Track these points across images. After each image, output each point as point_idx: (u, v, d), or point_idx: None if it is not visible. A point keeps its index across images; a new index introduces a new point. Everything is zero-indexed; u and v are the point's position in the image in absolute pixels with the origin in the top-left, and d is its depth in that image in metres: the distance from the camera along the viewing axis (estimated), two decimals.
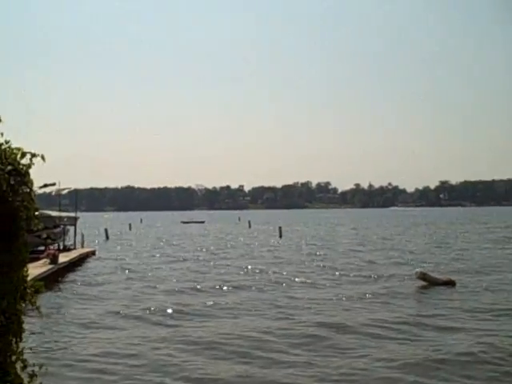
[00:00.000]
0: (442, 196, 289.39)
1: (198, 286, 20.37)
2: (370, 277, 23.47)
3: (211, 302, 16.83)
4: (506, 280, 22.17)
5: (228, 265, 27.93)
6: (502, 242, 41.94)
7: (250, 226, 74.29)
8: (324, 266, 26.95)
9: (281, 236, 51.52)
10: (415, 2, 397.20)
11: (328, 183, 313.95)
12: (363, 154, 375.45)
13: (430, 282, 21.66)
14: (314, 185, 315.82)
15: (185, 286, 20.68)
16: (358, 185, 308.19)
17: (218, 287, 20.24)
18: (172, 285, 21.07)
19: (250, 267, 26.25)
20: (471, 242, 42.79)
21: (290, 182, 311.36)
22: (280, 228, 53.94)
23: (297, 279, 22.40)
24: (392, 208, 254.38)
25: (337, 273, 24.53)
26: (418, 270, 22.73)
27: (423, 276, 21.86)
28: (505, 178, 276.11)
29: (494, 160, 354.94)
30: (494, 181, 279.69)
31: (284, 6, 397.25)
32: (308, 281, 22.13)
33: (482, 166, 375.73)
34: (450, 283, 21.66)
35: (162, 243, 46.11)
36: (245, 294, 18.98)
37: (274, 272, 24.61)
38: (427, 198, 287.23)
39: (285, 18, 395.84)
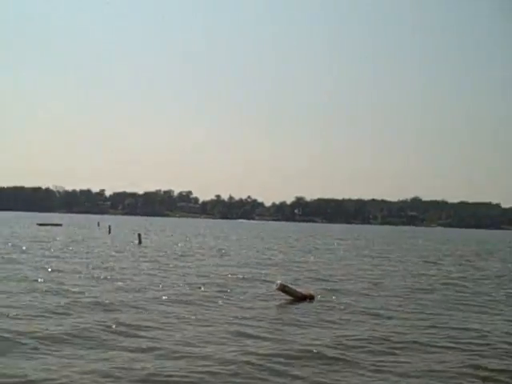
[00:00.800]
0: (296, 211, 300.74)
1: None
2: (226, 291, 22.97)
3: None
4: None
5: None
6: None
7: (109, 232, 71.61)
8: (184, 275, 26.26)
9: (140, 242, 50.60)
10: None
11: (190, 192, 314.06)
12: (225, 166, 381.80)
13: (289, 294, 21.56)
14: (175, 193, 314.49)
15: None
16: (218, 196, 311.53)
17: None
18: None
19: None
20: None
21: (153, 190, 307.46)
22: (139, 235, 52.94)
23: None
24: (240, 220, 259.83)
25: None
26: (278, 281, 22.56)
27: (283, 288, 21.71)
28: (354, 197, 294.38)
29: (344, 180, 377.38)
30: (343, 200, 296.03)
31: None
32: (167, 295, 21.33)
33: (335, 185, 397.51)
34: (310, 297, 21.77)
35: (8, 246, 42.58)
36: None
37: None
38: (283, 212, 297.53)
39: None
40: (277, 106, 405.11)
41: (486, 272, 35.51)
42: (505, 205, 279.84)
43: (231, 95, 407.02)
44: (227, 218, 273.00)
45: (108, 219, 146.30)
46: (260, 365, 11.17)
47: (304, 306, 20.06)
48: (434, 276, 31.30)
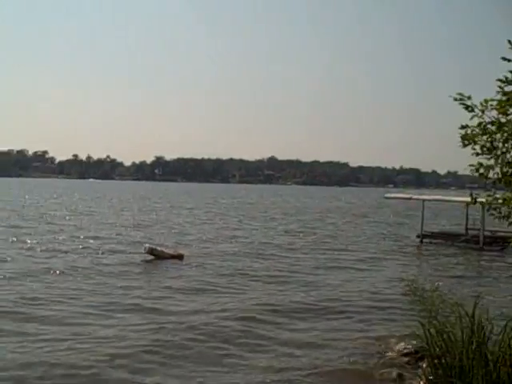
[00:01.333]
0: (156, 171, 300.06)
1: None
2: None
3: None
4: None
5: None
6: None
7: None
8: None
9: None
10: None
11: (46, 152, 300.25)
12: (81, 122, 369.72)
13: (158, 257, 24.36)
14: (30, 153, 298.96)
15: None
16: (76, 155, 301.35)
17: None
18: None
19: None
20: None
21: (5, 149, 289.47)
22: None
23: None
24: (90, 180, 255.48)
25: None
26: (146, 245, 25.34)
27: (151, 251, 24.52)
28: (213, 157, 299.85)
29: (203, 140, 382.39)
30: (203, 159, 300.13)
31: None
32: None
33: (194, 145, 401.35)
34: (178, 257, 24.84)
35: None
36: None
37: None
38: (143, 172, 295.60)
39: None
40: (139, 60, 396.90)
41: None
42: (352, 164, 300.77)
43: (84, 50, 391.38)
44: (84, 178, 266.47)
45: None
46: None
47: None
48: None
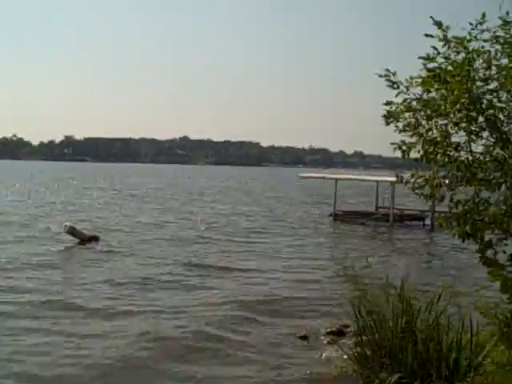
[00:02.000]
0: (66, 151, 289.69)
1: None
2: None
3: None
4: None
5: None
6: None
7: None
8: None
9: None
10: None
11: None
12: None
13: (77, 237, 23.70)
14: None
15: None
16: None
17: None
18: None
19: None
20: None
21: None
22: None
23: None
24: None
25: None
26: (67, 223, 24.38)
27: (72, 230, 23.73)
28: (124, 136, 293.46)
29: (114, 120, 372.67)
30: (113, 139, 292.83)
31: None
32: None
33: (105, 124, 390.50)
34: (95, 238, 24.22)
35: None
36: None
37: None
38: (52, 151, 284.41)
39: None
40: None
41: None
42: (264, 144, 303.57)
43: None
44: None
45: None
46: None
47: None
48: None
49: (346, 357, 8.34)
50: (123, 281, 16.25)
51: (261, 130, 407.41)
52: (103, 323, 11.96)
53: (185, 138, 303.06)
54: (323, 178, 38.89)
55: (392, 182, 32.60)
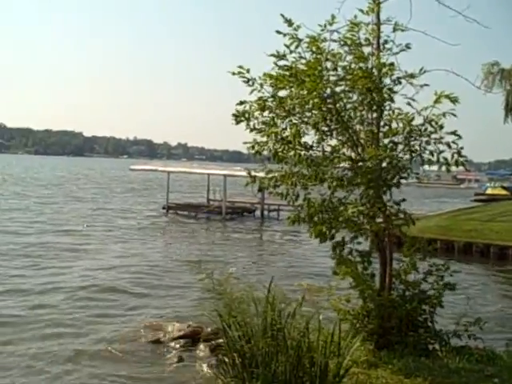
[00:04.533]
0: None
1: None
2: None
3: None
4: None
5: None
6: None
7: None
8: None
9: None
10: None
11: None
12: None
13: None
14: None
15: None
16: None
17: None
18: None
19: None
20: None
21: None
22: None
23: None
24: None
25: None
26: None
27: None
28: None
29: None
30: None
31: None
32: None
33: None
34: None
35: None
36: None
37: None
38: None
39: None
40: None
41: None
42: (87, 134, 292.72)
43: None
44: None
45: None
46: None
47: None
48: None
49: (205, 365, 8.02)
50: None
51: (83, 120, 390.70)
52: None
53: (1, 126, 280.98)
54: (156, 170, 38.14)
55: (225, 176, 33.15)
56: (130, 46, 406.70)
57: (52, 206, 36.49)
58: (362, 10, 8.40)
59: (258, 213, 35.76)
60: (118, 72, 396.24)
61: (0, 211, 32.20)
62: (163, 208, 35.72)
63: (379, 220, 8.41)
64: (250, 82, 8.65)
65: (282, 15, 8.58)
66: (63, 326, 11.36)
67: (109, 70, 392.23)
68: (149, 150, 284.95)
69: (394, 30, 8.33)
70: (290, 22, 8.49)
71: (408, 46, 8.29)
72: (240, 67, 8.70)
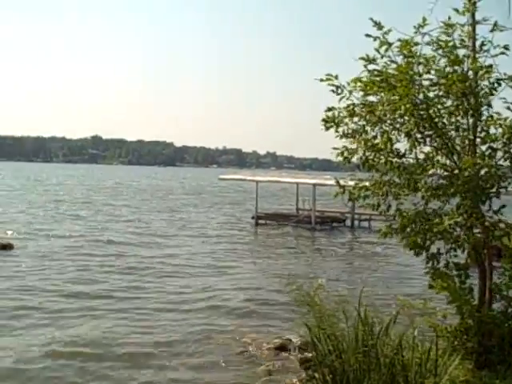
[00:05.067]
0: None
1: None
2: None
3: None
4: None
5: None
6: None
7: None
8: None
9: None
10: None
11: None
12: None
13: None
14: None
15: None
16: None
17: None
18: None
19: None
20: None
21: None
22: None
23: None
24: None
25: None
26: None
27: None
28: (33, 134, 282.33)
29: (23, 116, 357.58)
30: (22, 137, 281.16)
31: None
32: None
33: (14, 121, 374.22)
34: (8, 247, 22.67)
35: None
36: None
37: None
38: None
39: None
40: None
41: None
42: (177, 144, 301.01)
43: None
44: None
45: None
46: None
47: None
48: None
49: (295, 379, 7.86)
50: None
51: (174, 130, 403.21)
52: None
53: (97, 137, 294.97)
54: (244, 179, 38.44)
55: (314, 185, 32.86)
56: (222, 59, 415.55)
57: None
58: (457, 10, 7.99)
59: (348, 222, 35.24)
60: (209, 84, 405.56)
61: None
62: (252, 217, 35.91)
63: (477, 231, 7.96)
64: (339, 90, 8.47)
65: (371, 19, 8.35)
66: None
67: (201, 83, 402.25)
68: (238, 159, 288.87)
69: (492, 29, 7.88)
70: (379, 26, 8.24)
71: (506, 48, 7.82)
72: (328, 74, 8.55)
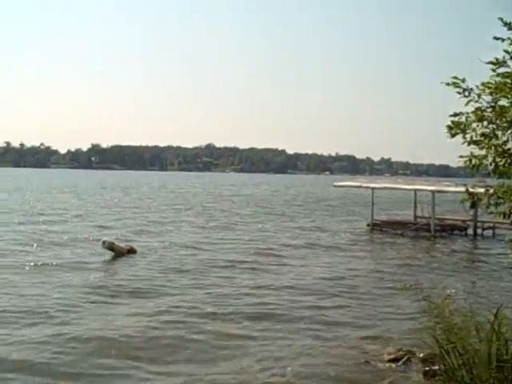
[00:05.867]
0: (93, 159, 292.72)
1: None
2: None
3: None
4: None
5: None
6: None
7: None
8: None
9: None
10: None
11: None
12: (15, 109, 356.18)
13: (116, 252, 23.13)
14: None
15: None
16: (8, 143, 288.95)
17: None
18: None
19: None
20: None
21: None
22: None
23: None
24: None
25: None
26: (105, 239, 23.84)
27: (111, 246, 23.16)
28: (150, 144, 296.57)
29: (141, 127, 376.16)
30: (140, 146, 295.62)
31: None
32: None
33: (132, 132, 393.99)
34: (132, 251, 23.81)
35: None
36: None
37: None
38: (79, 159, 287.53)
39: None
40: None
41: None
42: (289, 151, 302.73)
43: None
44: (20, 167, 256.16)
45: None
46: None
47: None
48: None
49: None
50: None
51: (286, 137, 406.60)
52: None
53: (210, 146, 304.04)
54: (359, 186, 37.91)
55: (433, 191, 31.69)
56: (341, 65, 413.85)
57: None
58: None
59: (470, 230, 33.67)
60: (325, 94, 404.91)
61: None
62: (368, 225, 35.32)
63: None
64: (466, 93, 8.15)
65: (501, 19, 7.97)
66: None
67: (317, 93, 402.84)
68: (351, 165, 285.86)
69: None
70: (510, 25, 7.85)
71: None
72: (455, 77, 8.26)
